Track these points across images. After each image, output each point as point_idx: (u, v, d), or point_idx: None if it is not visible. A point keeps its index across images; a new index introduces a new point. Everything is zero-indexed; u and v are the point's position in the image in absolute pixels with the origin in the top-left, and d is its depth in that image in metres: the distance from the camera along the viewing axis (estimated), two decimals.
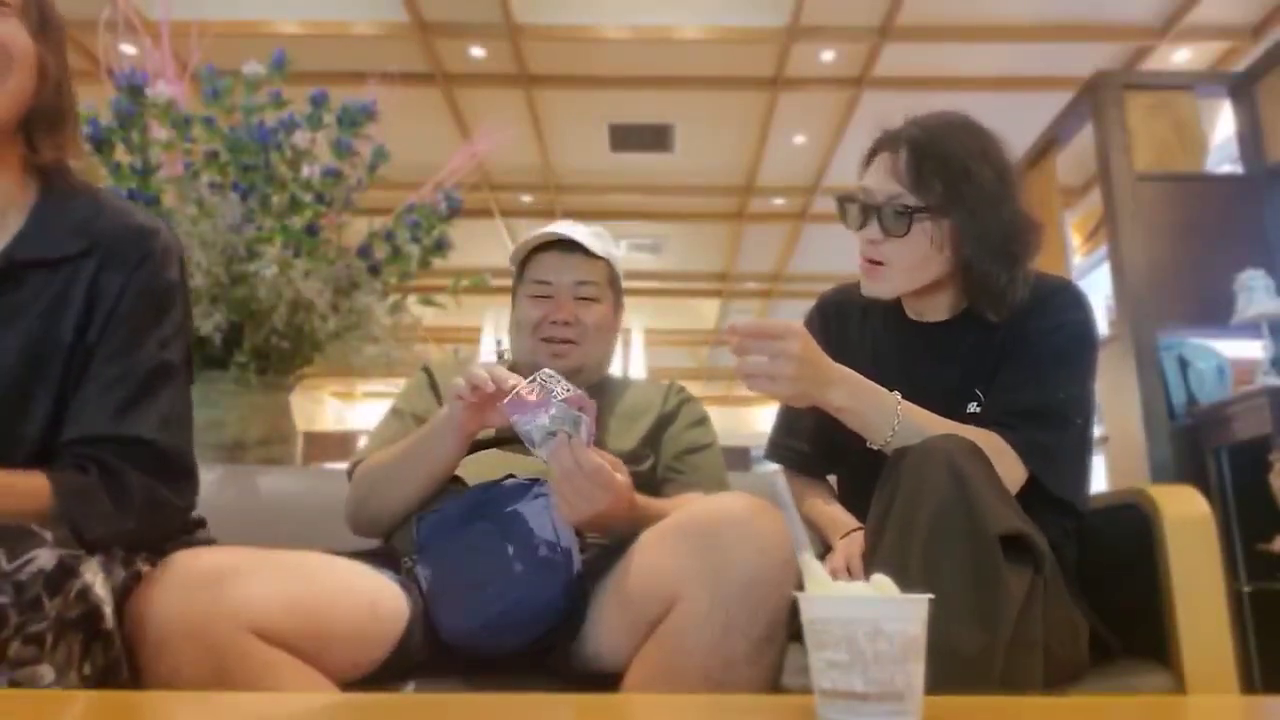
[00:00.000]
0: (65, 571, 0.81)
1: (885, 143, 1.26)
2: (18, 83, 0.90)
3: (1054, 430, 1.20)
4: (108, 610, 0.86)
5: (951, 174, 1.19)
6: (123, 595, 0.92)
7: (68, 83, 0.97)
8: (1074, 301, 1.28)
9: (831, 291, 1.49)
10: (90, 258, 0.95)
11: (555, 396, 1.04)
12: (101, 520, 0.90)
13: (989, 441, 1.12)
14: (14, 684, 0.78)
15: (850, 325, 1.41)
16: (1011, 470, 1.15)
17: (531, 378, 1.07)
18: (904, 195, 1.21)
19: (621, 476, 1.06)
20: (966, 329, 1.30)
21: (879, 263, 1.26)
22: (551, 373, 1.07)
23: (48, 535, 0.81)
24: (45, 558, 0.79)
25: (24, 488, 0.89)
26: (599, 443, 1.23)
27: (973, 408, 1.26)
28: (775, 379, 1.07)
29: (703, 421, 1.43)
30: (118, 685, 0.88)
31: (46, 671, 0.80)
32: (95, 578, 0.85)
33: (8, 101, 0.89)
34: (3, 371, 0.91)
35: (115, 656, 0.87)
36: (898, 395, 1.15)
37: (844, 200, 1.28)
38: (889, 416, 1.13)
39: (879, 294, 1.29)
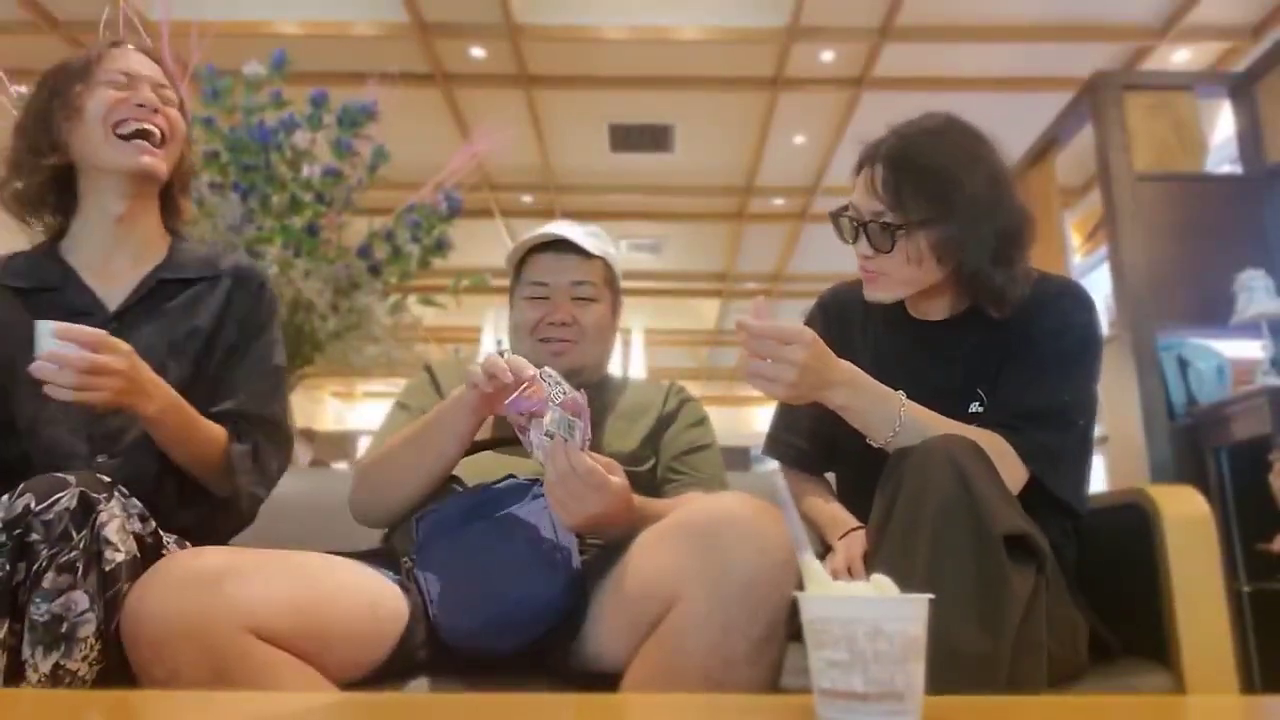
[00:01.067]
0: (88, 508, 0.93)
1: (867, 157, 1.26)
2: (175, 152, 1.26)
3: (1058, 432, 1.20)
4: (112, 554, 0.93)
5: (937, 185, 1.18)
6: (142, 550, 0.99)
7: (192, 163, 1.37)
8: (1079, 303, 1.27)
9: (833, 289, 1.48)
10: (220, 281, 1.29)
11: (553, 400, 1.03)
12: (250, 482, 1.22)
13: (991, 442, 1.12)
14: (54, 616, 0.88)
15: (852, 323, 1.41)
16: (1014, 471, 1.15)
17: (537, 373, 1.06)
18: (885, 212, 1.21)
19: (617, 479, 1.06)
20: (969, 328, 1.30)
21: (876, 273, 1.26)
22: (551, 372, 1.07)
23: (72, 479, 0.94)
24: (69, 498, 0.92)
25: (211, 434, 1.19)
26: (599, 443, 1.23)
27: (975, 407, 1.26)
28: (775, 381, 1.07)
29: (702, 422, 1.43)
30: (116, 629, 0.93)
31: (81, 598, 0.90)
32: (112, 520, 0.94)
33: (167, 165, 1.25)
34: (153, 356, 1.15)
35: (118, 594, 0.93)
36: (902, 395, 1.15)
37: (835, 216, 1.28)
38: (891, 417, 1.13)
39: (880, 299, 1.29)
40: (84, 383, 1.00)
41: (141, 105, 1.20)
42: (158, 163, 1.21)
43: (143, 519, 1.03)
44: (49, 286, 1.19)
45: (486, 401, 1.13)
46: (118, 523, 0.95)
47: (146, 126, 1.20)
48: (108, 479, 0.99)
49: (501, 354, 1.12)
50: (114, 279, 1.23)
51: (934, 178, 1.18)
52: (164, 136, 1.23)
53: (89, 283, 1.23)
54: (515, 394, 1.05)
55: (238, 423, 1.23)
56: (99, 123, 1.18)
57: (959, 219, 1.19)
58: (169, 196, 1.31)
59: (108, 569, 0.93)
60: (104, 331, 1.03)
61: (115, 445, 1.17)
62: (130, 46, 1.27)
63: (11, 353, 1.13)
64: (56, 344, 0.99)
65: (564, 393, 1.04)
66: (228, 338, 1.26)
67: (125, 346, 1.05)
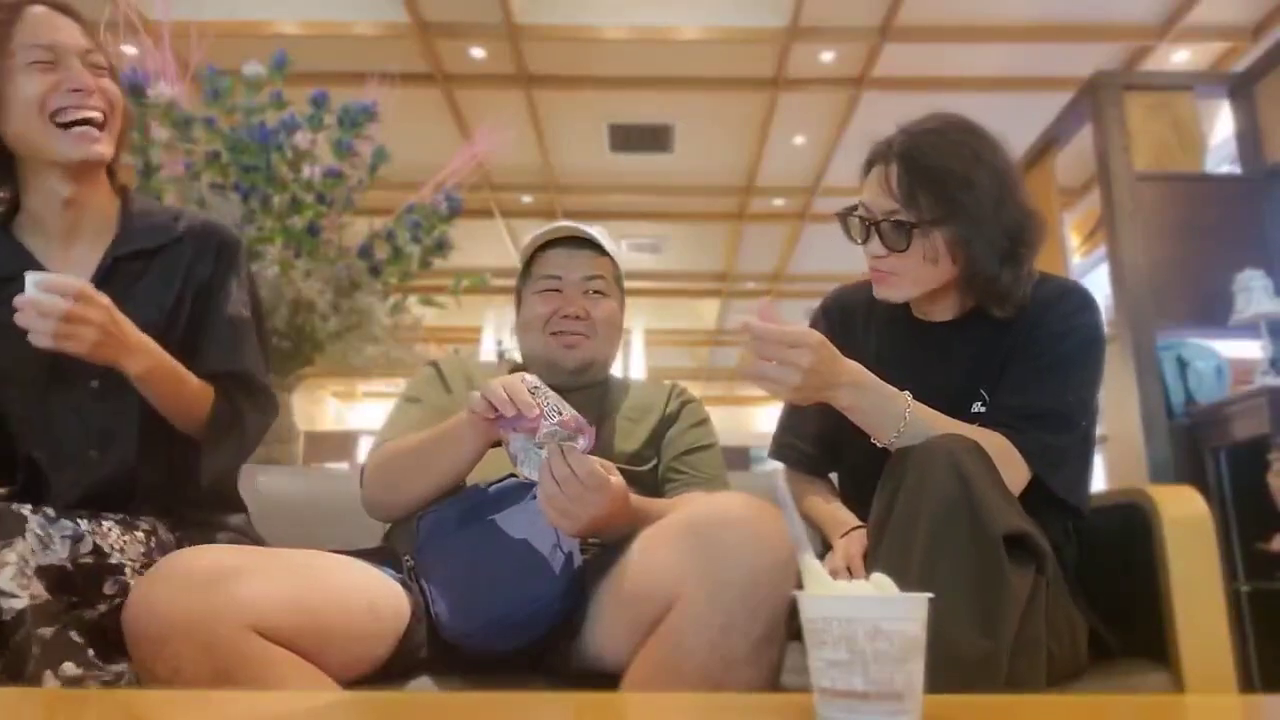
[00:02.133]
0: None
1: (878, 155, 1.25)
2: (117, 127, 1.19)
3: (1060, 433, 1.20)
4: (7, 602, 0.91)
5: (948, 185, 1.18)
6: (58, 582, 0.97)
7: (129, 113, 1.26)
8: (1083, 305, 1.27)
9: (836, 291, 1.49)
10: (181, 245, 1.24)
11: (548, 419, 1.02)
12: (225, 454, 1.21)
13: (993, 442, 1.12)
14: None
15: (855, 325, 1.41)
16: (1015, 472, 1.15)
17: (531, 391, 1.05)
18: (899, 211, 1.20)
19: (615, 478, 1.06)
20: (973, 329, 1.30)
21: (888, 273, 1.26)
22: (538, 385, 1.06)
23: None
24: None
25: (198, 389, 1.18)
26: (603, 443, 1.23)
27: (977, 407, 1.26)
28: (780, 383, 1.07)
29: (704, 422, 1.43)
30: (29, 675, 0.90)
31: None
32: (4, 567, 0.93)
33: (115, 142, 1.19)
34: None
35: (27, 639, 0.92)
36: (908, 395, 1.15)
37: (845, 215, 1.27)
38: (896, 417, 1.13)
39: (891, 299, 1.29)
40: (61, 330, 1.02)
41: (78, 90, 1.12)
42: (104, 148, 1.16)
43: (76, 539, 1.02)
44: (9, 276, 1.11)
45: (491, 428, 1.13)
46: (12, 569, 0.93)
47: (87, 114, 1.14)
48: (26, 511, 0.99)
49: (500, 355, 1.11)
50: (76, 264, 1.19)
51: (946, 176, 1.19)
52: (105, 116, 1.16)
53: (52, 270, 1.15)
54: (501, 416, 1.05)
55: (215, 383, 1.21)
56: (35, 112, 1.12)
57: (969, 218, 1.19)
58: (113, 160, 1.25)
59: (7, 618, 0.91)
60: (86, 283, 1.04)
61: (109, 440, 1.18)
62: (36, 5, 1.16)
63: (5, 362, 1.15)
64: (39, 294, 1.02)
65: (558, 410, 1.03)
66: (188, 306, 1.23)
67: (105, 300, 1.05)
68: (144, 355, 1.11)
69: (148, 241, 1.23)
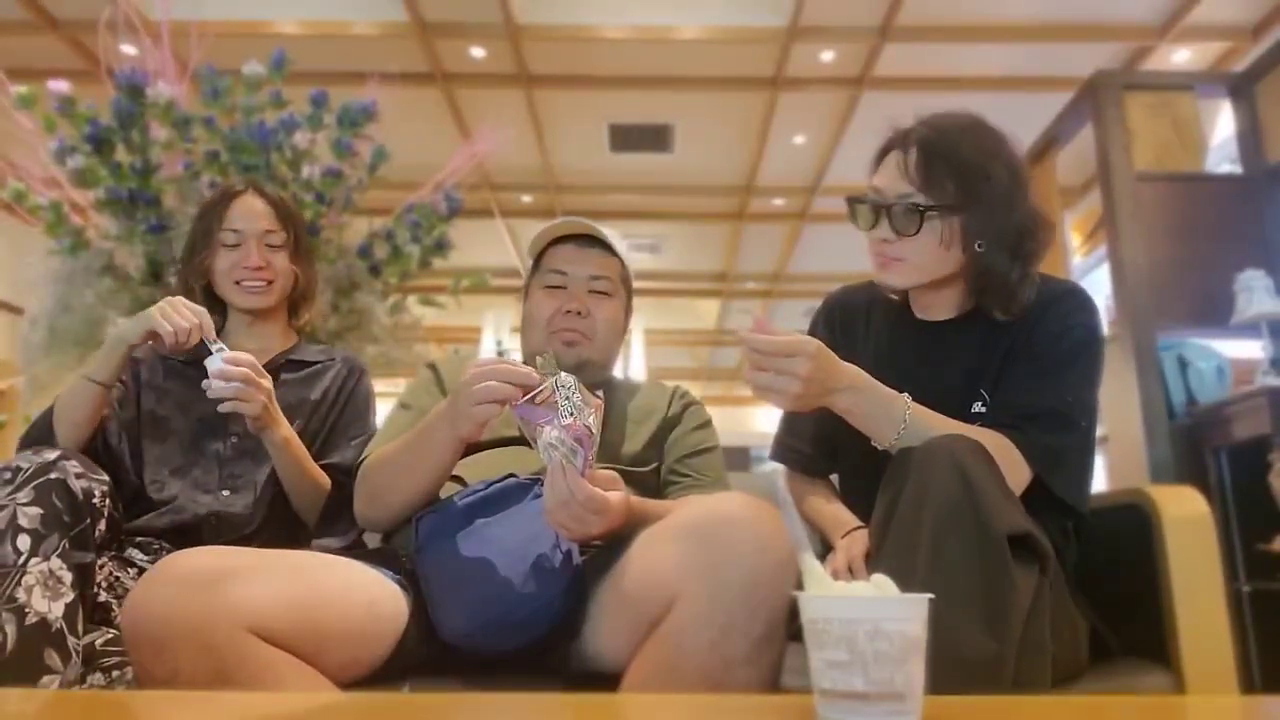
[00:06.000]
0: None
1: (896, 141, 1.26)
2: (282, 282, 1.62)
3: (1060, 433, 1.20)
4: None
5: (965, 173, 1.19)
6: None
7: (313, 279, 1.71)
8: (1082, 305, 1.27)
9: (838, 291, 1.49)
10: (334, 366, 1.66)
11: (559, 418, 1.01)
12: (330, 535, 1.45)
13: (995, 442, 1.12)
14: None
15: (856, 325, 1.41)
16: (1016, 472, 1.15)
17: (552, 380, 1.04)
18: (914, 194, 1.21)
19: (616, 494, 1.05)
20: (973, 329, 1.30)
21: (892, 258, 1.26)
22: (568, 383, 1.05)
23: None
24: None
25: (319, 474, 1.50)
26: (605, 444, 1.22)
27: (977, 407, 1.26)
28: (780, 393, 1.07)
29: (706, 425, 1.44)
30: None
31: None
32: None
33: (276, 297, 1.61)
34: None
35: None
36: (907, 397, 1.15)
37: (854, 201, 1.27)
38: (896, 419, 1.13)
39: (892, 285, 1.29)
40: (242, 393, 1.34)
41: (248, 266, 1.57)
42: (266, 299, 1.60)
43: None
44: (190, 361, 1.53)
45: (482, 429, 1.12)
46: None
47: (257, 282, 1.58)
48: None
49: (501, 355, 1.10)
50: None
51: (965, 165, 1.20)
52: (270, 280, 1.60)
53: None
54: (525, 398, 1.04)
55: (342, 473, 1.49)
56: (225, 279, 1.58)
57: (985, 208, 1.20)
58: (294, 306, 1.71)
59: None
60: (256, 362, 1.38)
61: (237, 481, 1.49)
62: (245, 194, 1.61)
63: (167, 413, 1.53)
64: (224, 365, 1.34)
65: (571, 411, 1.02)
66: (336, 407, 1.63)
67: (269, 379, 1.40)
68: (286, 428, 1.45)
69: (309, 356, 1.66)
